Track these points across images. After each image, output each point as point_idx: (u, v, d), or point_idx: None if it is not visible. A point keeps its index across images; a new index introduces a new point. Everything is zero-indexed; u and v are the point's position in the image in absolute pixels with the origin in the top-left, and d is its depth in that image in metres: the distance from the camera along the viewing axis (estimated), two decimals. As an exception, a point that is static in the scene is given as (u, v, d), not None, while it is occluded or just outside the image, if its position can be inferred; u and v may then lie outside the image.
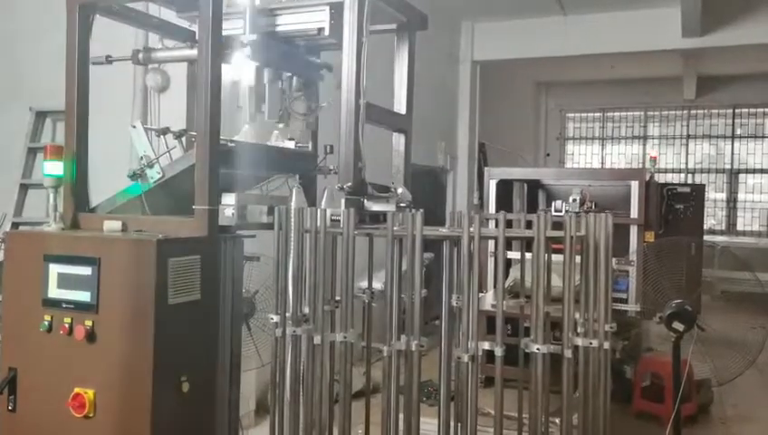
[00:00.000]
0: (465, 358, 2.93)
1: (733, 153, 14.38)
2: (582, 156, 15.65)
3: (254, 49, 3.65)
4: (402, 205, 3.62)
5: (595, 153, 15.58)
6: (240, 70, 4.00)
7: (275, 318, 3.47)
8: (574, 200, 8.32)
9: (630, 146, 15.24)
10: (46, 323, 3.43)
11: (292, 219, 3.45)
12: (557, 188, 9.43)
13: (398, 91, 3.95)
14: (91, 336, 3.33)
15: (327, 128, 4.37)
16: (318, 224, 3.33)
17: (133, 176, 3.80)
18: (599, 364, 3.04)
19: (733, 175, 14.29)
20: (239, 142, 3.79)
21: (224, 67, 3.67)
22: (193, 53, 3.96)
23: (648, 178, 8.29)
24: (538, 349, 2.97)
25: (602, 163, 15.35)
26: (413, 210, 3.56)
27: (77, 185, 3.86)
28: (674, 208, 8.61)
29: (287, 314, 3.49)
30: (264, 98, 3.78)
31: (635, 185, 8.12)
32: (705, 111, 14.68)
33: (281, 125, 3.96)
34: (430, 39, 10.03)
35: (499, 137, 13.46)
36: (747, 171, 14.44)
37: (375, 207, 3.62)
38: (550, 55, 12.18)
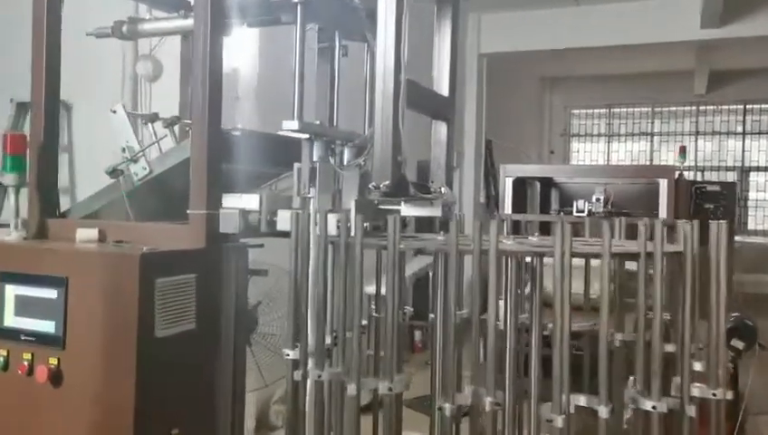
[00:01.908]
0: (560, 421, 2.09)
1: (744, 150, 13.67)
2: (587, 153, 14.90)
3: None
4: (449, 209, 2.83)
5: (601, 150, 14.83)
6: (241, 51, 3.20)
7: (291, 354, 2.65)
8: (598, 200, 7.55)
9: (637, 143, 14.50)
10: (0, 359, 2.62)
11: (314, 228, 2.64)
12: (570, 187, 8.66)
13: (439, 69, 3.14)
14: (55, 378, 2.52)
15: (345, 111, 3.56)
16: (348, 233, 2.53)
17: (113, 173, 2.99)
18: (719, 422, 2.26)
19: (743, 173, 13.57)
20: (245, 131, 2.98)
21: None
22: (188, 23, 3.14)
23: (677, 175, 7.53)
24: (654, 407, 2.15)
25: (608, 160, 14.61)
26: (461, 215, 2.79)
27: (44, 183, 3.04)
28: (703, 208, 7.84)
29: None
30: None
31: (664, 183, 7.37)
32: (715, 106, 13.96)
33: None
34: (432, 33, 9.33)
35: (503, 133, 12.68)
36: (759, 169, 13.72)
37: (417, 211, 2.83)
38: (560, 47, 11.40)
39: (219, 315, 2.80)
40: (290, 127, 2.76)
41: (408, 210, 2.84)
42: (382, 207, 2.82)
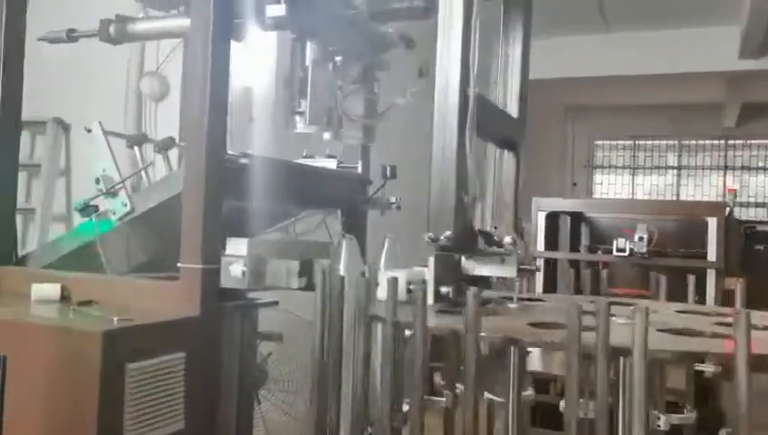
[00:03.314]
0: None
1: (773, 186, 12.82)
2: (611, 186, 14.08)
3: (291, 8, 2.10)
4: (526, 267, 2.06)
5: (625, 183, 14.00)
6: (257, 60, 2.47)
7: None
8: (641, 239, 6.74)
9: (663, 176, 13.68)
10: None
11: (345, 291, 1.88)
12: (602, 222, 7.86)
13: (508, 85, 2.38)
14: (-18, 501, 1.76)
15: (382, 139, 2.81)
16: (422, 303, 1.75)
17: (84, 210, 2.24)
18: None
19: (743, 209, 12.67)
20: (257, 158, 2.23)
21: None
22: (187, 22, 2.40)
23: (726, 213, 6.73)
24: None
25: (632, 193, 13.78)
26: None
27: (-5, 221, 2.30)
28: (753, 249, 7.02)
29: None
30: (306, 91, 2.21)
31: (713, 222, 6.56)
32: (745, 141, 13.14)
33: (326, 135, 2.40)
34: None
35: (531, 165, 11.85)
36: (760, 205, 12.83)
37: (484, 269, 2.06)
38: (587, 75, 10.69)
39: (218, 406, 2.03)
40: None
41: (471, 267, 2.07)
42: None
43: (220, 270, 2.03)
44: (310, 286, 2.16)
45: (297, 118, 2.31)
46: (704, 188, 13.42)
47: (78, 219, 2.39)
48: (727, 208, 6.80)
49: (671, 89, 11.68)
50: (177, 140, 2.61)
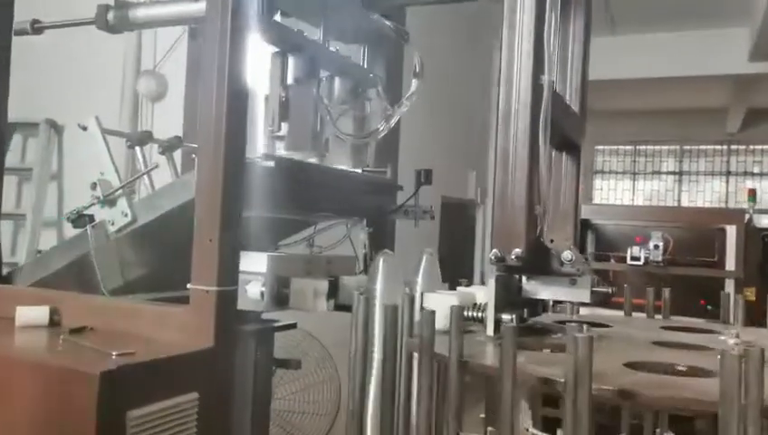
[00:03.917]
0: None
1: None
2: (612, 191, 13.78)
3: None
4: (600, 290, 1.73)
5: (626, 189, 13.71)
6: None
7: None
8: (656, 247, 6.44)
9: (665, 182, 13.39)
10: None
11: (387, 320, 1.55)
12: (608, 229, 7.56)
13: (570, 79, 2.06)
14: None
15: (411, 141, 2.49)
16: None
17: (78, 220, 1.90)
18: None
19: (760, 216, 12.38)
20: (283, 160, 1.90)
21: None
22: (198, 6, 2.07)
23: (746, 220, 6.44)
24: None
25: (633, 199, 13.49)
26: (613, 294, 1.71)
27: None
28: (771, 259, 6.73)
29: None
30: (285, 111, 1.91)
31: (731, 230, 6.28)
32: (747, 146, 12.88)
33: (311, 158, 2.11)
34: (462, 59, 8.33)
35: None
36: (794, 212, 12.60)
37: (551, 292, 1.74)
38: (593, 79, 10.33)
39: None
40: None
41: (532, 289, 1.75)
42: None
43: (236, 294, 1.71)
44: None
45: (277, 143, 2.02)
46: (705, 193, 13.16)
47: (71, 230, 2.06)
48: (746, 215, 6.51)
49: (676, 93, 11.40)
50: (180, 138, 2.28)
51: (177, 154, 2.79)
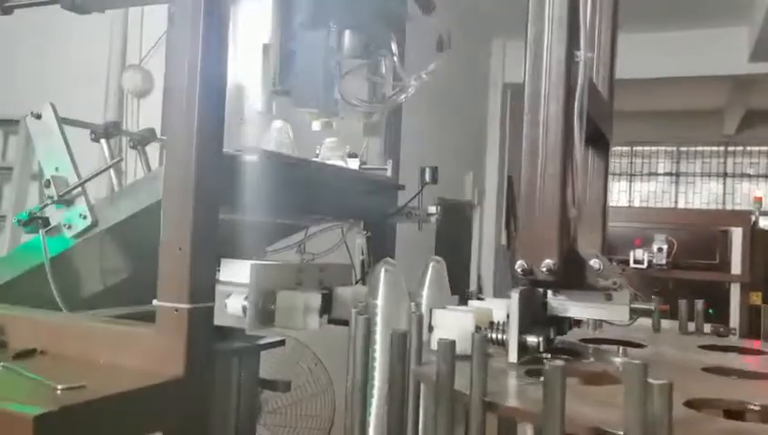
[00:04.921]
0: None
1: (772, 194, 12.33)
2: (609, 193, 13.53)
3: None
4: (640, 306, 1.45)
5: (622, 190, 13.45)
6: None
7: None
8: (660, 250, 6.18)
9: (661, 184, 13.15)
10: None
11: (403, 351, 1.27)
12: (609, 231, 7.29)
13: (597, 68, 1.77)
14: None
15: (412, 136, 2.21)
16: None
17: (29, 223, 1.61)
18: None
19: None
20: (267, 154, 1.62)
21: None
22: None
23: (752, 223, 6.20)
24: None
25: (630, 201, 13.24)
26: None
27: None
28: (775, 262, 6.48)
29: None
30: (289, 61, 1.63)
31: (737, 232, 6.03)
32: (744, 148, 12.65)
33: (316, 123, 1.82)
34: (457, 58, 8.07)
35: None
36: (791, 214, 12.38)
37: (582, 310, 1.46)
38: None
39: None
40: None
41: (559, 305, 1.47)
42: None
43: (212, 310, 1.42)
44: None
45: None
46: (702, 195, 12.92)
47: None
48: (752, 217, 6.26)
49: (674, 94, 11.16)
50: (158, 133, 2.00)
51: (155, 151, 2.53)
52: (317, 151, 2.13)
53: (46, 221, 1.60)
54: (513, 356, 1.33)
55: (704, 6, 8.33)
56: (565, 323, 1.58)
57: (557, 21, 1.24)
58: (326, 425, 3.76)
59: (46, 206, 1.59)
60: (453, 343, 1.08)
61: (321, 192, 1.92)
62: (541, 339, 1.34)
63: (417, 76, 1.99)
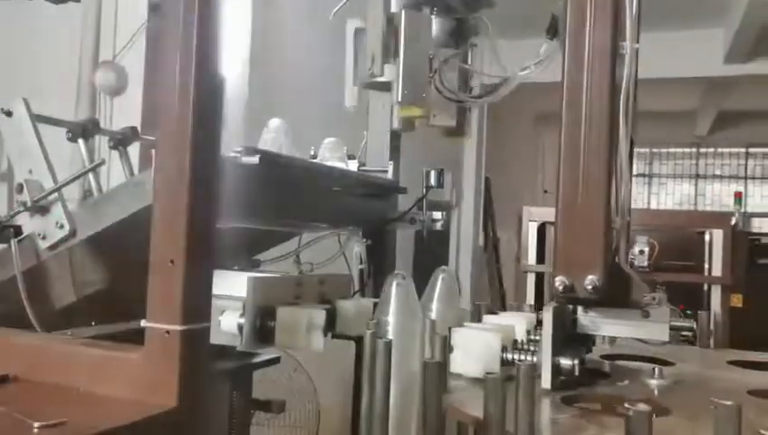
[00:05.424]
0: None
1: (746, 195, 12.41)
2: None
3: None
4: (679, 324, 1.32)
5: (596, 191, 13.48)
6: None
7: None
8: (641, 252, 6.10)
9: (635, 185, 13.14)
10: None
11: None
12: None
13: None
14: None
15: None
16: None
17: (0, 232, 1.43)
18: None
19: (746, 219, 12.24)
20: (270, 155, 1.46)
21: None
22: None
23: (732, 224, 6.15)
24: None
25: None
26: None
27: None
28: (756, 264, 6.46)
29: None
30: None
31: (718, 234, 5.98)
32: (716, 149, 12.72)
33: (415, 113, 1.70)
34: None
35: (503, 172, 11.26)
36: (762, 215, 12.45)
37: (616, 329, 1.32)
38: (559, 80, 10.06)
39: None
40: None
41: (591, 324, 1.33)
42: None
43: (209, 331, 1.26)
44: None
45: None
46: (675, 196, 12.97)
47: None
48: (733, 219, 6.22)
49: (647, 95, 11.13)
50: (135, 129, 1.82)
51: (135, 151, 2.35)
52: (311, 152, 1.98)
53: (18, 230, 1.42)
54: (546, 382, 1.19)
55: (679, 8, 8.30)
56: (591, 341, 1.44)
57: (600, 8, 1.10)
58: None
59: (18, 213, 1.41)
60: (500, 380, 0.94)
61: (319, 197, 1.76)
62: (576, 362, 1.20)
63: (523, 67, 1.85)
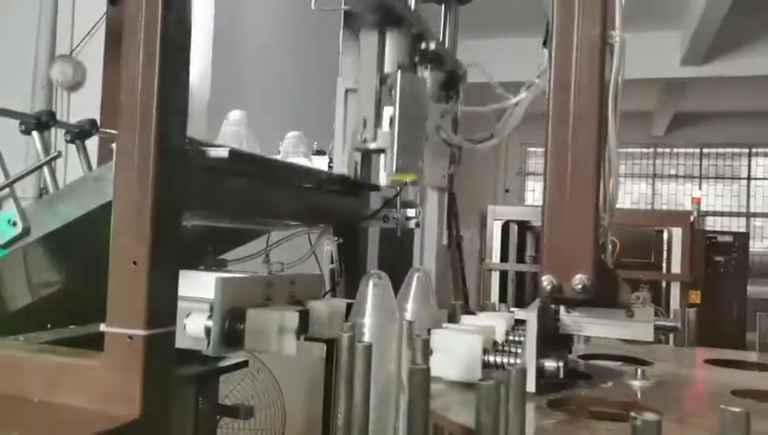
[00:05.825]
0: None
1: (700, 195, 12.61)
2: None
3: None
4: (664, 323, 1.28)
5: (556, 190, 13.58)
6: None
7: None
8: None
9: (593, 184, 13.31)
10: None
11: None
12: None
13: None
14: None
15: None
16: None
17: (-55, 231, 1.32)
18: None
19: (700, 218, 12.46)
20: (237, 153, 1.37)
21: None
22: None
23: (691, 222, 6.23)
24: None
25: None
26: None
27: None
28: (713, 261, 6.55)
29: None
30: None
31: (677, 232, 6.04)
32: (672, 149, 12.93)
33: (408, 177, 1.64)
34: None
35: (464, 170, 11.21)
36: (715, 214, 12.73)
37: (599, 328, 1.28)
38: (521, 81, 10.09)
39: None
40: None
41: (573, 324, 1.28)
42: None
43: (175, 335, 1.17)
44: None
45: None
46: (633, 195, 13.15)
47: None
48: (691, 217, 6.30)
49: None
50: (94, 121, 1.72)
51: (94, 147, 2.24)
52: (279, 148, 1.90)
53: (-34, 229, 1.32)
54: (531, 385, 1.14)
55: (637, 11, 8.38)
56: (572, 341, 1.40)
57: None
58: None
59: (-35, 210, 1.31)
60: (497, 386, 0.88)
61: (288, 194, 1.68)
62: (560, 364, 1.15)
63: (529, 83, 1.81)
